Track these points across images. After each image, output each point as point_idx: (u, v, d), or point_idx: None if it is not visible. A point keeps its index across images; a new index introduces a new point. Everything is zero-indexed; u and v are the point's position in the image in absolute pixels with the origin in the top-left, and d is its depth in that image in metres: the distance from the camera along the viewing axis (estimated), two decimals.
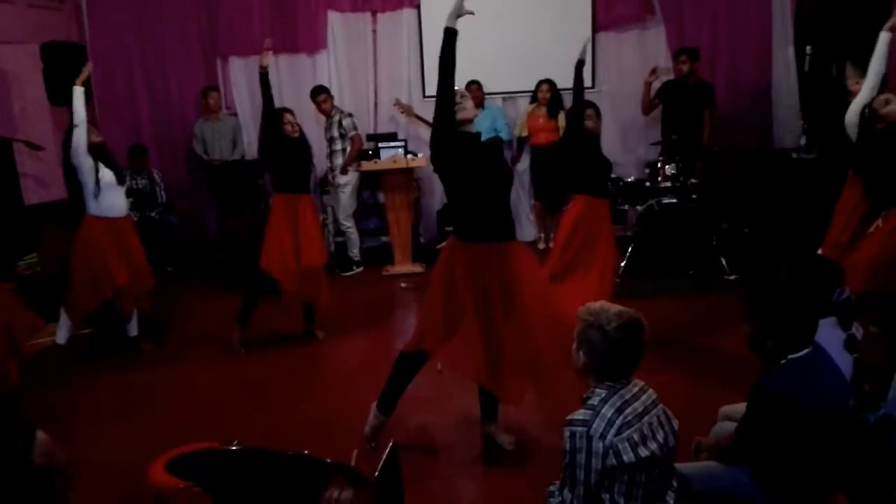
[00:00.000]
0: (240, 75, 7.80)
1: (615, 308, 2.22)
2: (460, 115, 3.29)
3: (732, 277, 6.04)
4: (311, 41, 7.70)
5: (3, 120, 6.35)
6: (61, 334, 5.08)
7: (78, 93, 4.79)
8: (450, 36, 3.21)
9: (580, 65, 4.63)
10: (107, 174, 4.87)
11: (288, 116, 5.01)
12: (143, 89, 7.75)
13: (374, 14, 7.74)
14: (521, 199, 7.76)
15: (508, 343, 3.30)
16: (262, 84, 4.98)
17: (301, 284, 5.07)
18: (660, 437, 2.21)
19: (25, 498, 1.75)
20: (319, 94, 6.99)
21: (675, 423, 2.28)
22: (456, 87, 3.36)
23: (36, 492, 1.77)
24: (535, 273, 3.53)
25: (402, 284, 6.65)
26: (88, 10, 7.53)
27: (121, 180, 4.99)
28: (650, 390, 2.28)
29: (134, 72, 7.72)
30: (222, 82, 7.80)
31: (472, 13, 3.23)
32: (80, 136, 4.77)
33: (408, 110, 7.52)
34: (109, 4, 7.55)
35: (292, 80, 7.79)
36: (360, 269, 7.20)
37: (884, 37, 4.25)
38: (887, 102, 4.06)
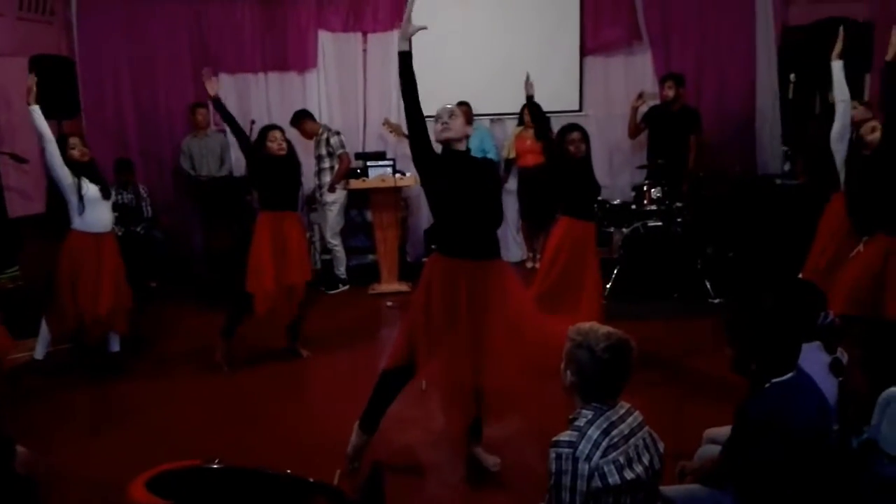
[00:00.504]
0: (229, 92, 7.80)
1: (604, 329, 2.22)
2: (445, 135, 3.32)
3: (717, 301, 6.08)
4: (301, 60, 7.75)
5: None
6: (39, 349, 5.02)
7: (35, 112, 4.64)
8: (404, 58, 3.29)
9: (529, 99, 4.77)
10: (91, 189, 4.83)
11: (274, 134, 4.98)
12: (131, 104, 7.75)
13: (364, 34, 7.79)
14: (508, 220, 7.78)
15: (477, 362, 3.29)
16: (218, 109, 5.04)
17: (280, 302, 5.06)
18: (645, 459, 2.21)
19: None
20: (298, 120, 6.95)
21: (661, 446, 2.28)
22: (448, 106, 3.37)
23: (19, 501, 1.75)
24: (515, 294, 3.48)
25: (388, 303, 6.64)
26: (78, 25, 7.54)
27: (106, 195, 4.94)
28: (636, 412, 2.28)
29: (122, 86, 7.72)
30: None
31: (424, 28, 3.28)
32: (52, 154, 4.66)
33: (396, 129, 7.53)
34: (99, 19, 7.56)
35: (282, 97, 7.82)
36: (346, 287, 7.18)
37: (836, 65, 4.34)
38: (873, 130, 4.12)
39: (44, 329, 4.97)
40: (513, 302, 3.40)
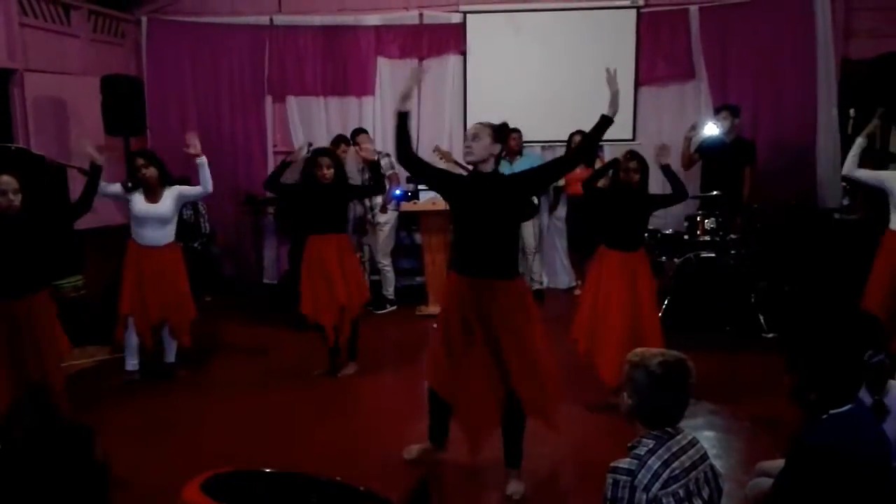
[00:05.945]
0: (293, 113, 8.10)
1: (660, 350, 2.23)
2: (468, 159, 3.44)
3: (770, 336, 5.95)
4: (361, 85, 7.97)
5: (60, 147, 6.60)
6: (129, 361, 5.16)
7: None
8: (401, 118, 3.52)
9: (664, 168, 4.95)
10: (141, 208, 5.03)
11: (321, 160, 5.05)
12: (194, 123, 7.99)
13: (420, 60, 7.93)
14: (558, 247, 7.79)
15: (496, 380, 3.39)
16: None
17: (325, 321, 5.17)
18: (704, 494, 2.16)
19: (88, 492, 1.81)
20: (359, 134, 7.11)
21: (723, 482, 2.24)
22: (473, 128, 3.45)
23: (96, 486, 1.83)
24: (513, 317, 3.40)
25: (435, 325, 6.64)
26: (147, 47, 7.88)
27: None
28: (699, 444, 2.24)
29: (187, 106, 8.01)
30: (271, 121, 8.02)
31: (425, 72, 3.43)
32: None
33: (447, 156, 7.60)
34: (167, 42, 7.88)
35: (339, 120, 8.04)
36: (394, 307, 7.24)
37: (859, 142, 4.44)
38: None
39: (129, 339, 5.12)
40: (515, 324, 3.38)
